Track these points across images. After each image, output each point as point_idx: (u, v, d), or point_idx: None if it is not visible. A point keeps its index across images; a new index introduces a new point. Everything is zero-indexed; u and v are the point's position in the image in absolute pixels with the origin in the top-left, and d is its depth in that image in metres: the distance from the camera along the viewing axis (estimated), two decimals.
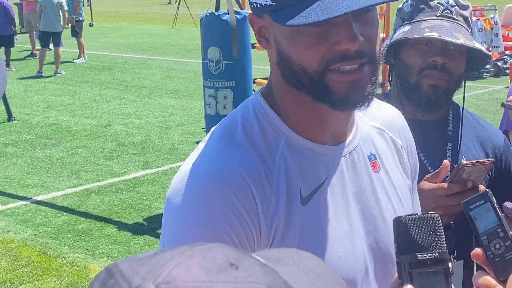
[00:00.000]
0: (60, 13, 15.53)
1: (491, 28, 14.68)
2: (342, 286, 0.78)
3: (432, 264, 1.07)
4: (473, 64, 2.12)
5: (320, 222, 1.27)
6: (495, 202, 1.14)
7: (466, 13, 2.08)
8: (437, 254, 1.07)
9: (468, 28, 2.07)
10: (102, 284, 0.64)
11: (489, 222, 1.12)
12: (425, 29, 1.99)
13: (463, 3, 2.09)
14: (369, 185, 1.36)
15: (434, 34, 1.97)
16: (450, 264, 1.08)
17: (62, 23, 15.61)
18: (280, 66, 1.27)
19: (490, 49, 14.42)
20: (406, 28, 2.05)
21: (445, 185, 1.82)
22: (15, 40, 15.44)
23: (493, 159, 1.87)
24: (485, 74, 14.20)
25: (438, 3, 2.06)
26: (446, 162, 1.83)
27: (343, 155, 1.33)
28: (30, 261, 5.66)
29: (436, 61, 1.99)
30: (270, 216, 1.23)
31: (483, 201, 1.13)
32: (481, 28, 14.24)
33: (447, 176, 1.88)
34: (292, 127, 1.30)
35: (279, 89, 1.31)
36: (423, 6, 2.06)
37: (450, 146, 2.09)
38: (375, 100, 1.47)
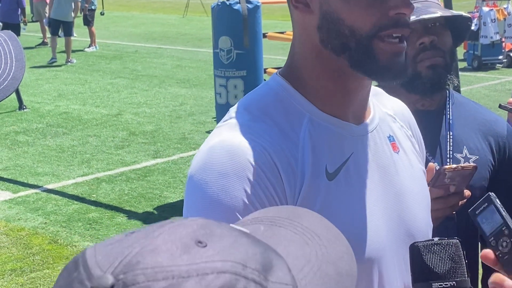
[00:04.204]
0: (73, 4, 15.50)
1: (504, 19, 14.55)
2: (339, 241, 0.76)
3: None
4: (458, 32, 2.10)
5: (345, 198, 1.27)
6: (498, 202, 1.13)
7: None
8: (453, 282, 1.03)
9: (438, 2, 2.06)
10: (67, 277, 0.62)
11: (494, 223, 1.12)
12: None
13: None
14: (391, 164, 1.36)
15: (412, 18, 1.95)
16: None
17: (73, 14, 15.58)
18: (322, 30, 1.26)
19: (503, 39, 14.32)
20: None
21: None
22: (22, 30, 15.42)
23: (475, 165, 1.84)
24: (497, 64, 14.11)
25: None
26: (431, 165, 1.80)
27: (365, 134, 1.34)
28: (41, 249, 5.68)
29: (424, 42, 1.98)
30: (297, 190, 1.23)
31: (486, 204, 1.13)
32: (494, 19, 14.13)
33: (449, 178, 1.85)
34: (316, 104, 1.30)
35: (306, 60, 1.31)
36: None
37: (451, 135, 2.05)
38: (384, 92, 1.49)
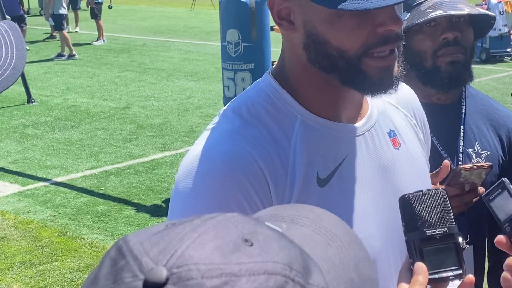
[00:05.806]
0: None
1: None
2: (358, 245, 0.75)
3: (442, 240, 1.05)
4: (480, 29, 2.09)
5: (340, 203, 1.25)
6: None
7: None
8: (446, 229, 1.06)
9: None
10: (113, 264, 0.61)
11: (509, 209, 1.11)
12: (427, 10, 1.96)
13: None
14: (391, 162, 1.33)
15: (439, 12, 1.94)
16: (460, 239, 1.06)
17: (64, 5, 15.43)
18: (309, 49, 1.23)
19: None
20: (406, 15, 2.01)
21: (443, 187, 1.80)
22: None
23: (491, 163, 1.84)
24: (506, 57, 14.05)
25: None
26: (446, 162, 1.79)
27: (362, 133, 1.31)
28: (50, 242, 5.70)
29: (448, 38, 1.96)
30: (285, 199, 1.21)
31: (500, 190, 1.13)
32: (502, 11, 14.07)
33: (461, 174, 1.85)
34: (308, 107, 1.27)
35: (296, 71, 1.28)
36: None
37: (463, 130, 2.05)
38: None
